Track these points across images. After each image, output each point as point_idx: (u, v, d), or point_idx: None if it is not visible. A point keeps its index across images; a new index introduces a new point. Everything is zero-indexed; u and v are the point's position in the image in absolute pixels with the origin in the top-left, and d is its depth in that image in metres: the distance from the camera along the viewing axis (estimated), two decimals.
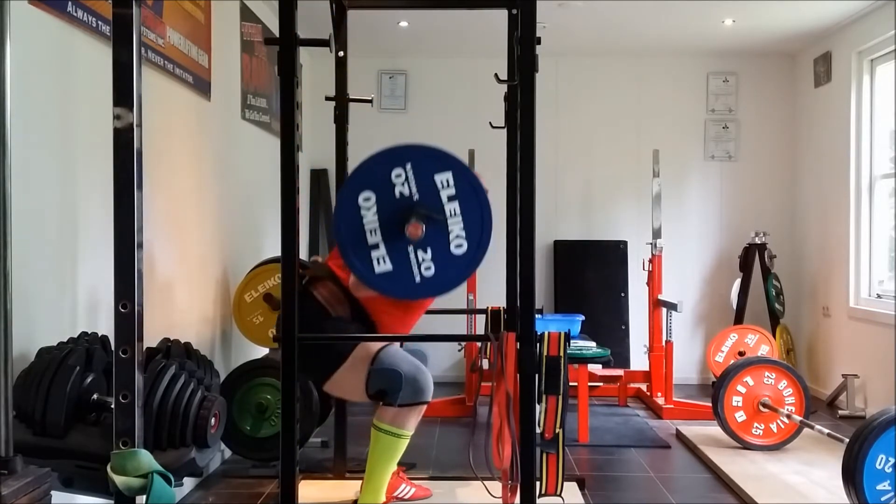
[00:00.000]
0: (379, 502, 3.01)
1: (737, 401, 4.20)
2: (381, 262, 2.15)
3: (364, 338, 2.96)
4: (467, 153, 5.37)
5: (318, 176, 6.29)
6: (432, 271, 2.15)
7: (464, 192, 2.16)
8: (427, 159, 2.16)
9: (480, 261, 2.19)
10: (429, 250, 2.14)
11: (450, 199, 2.15)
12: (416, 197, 2.13)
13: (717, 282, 6.43)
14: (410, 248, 2.14)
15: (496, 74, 2.69)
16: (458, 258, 2.16)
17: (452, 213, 2.15)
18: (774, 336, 5.69)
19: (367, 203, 2.14)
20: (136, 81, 1.61)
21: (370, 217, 2.14)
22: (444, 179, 2.15)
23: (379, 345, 2.95)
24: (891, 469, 2.87)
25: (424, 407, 2.98)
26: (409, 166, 2.14)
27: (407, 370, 2.90)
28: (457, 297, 5.40)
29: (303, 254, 5.91)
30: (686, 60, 6.45)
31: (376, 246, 2.14)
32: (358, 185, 2.15)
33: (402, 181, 2.14)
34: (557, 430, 2.45)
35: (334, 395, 3.28)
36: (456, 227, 2.15)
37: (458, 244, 2.15)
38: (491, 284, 5.24)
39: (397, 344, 3.13)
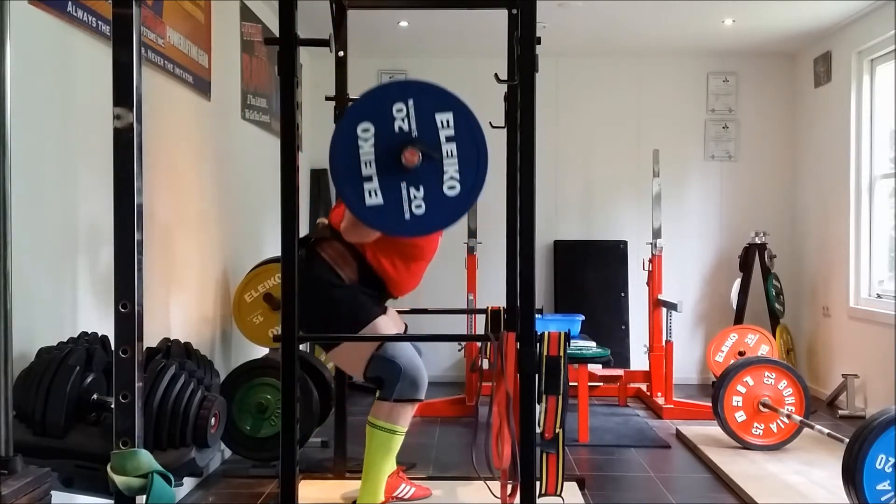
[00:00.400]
0: (377, 501, 3.01)
1: (737, 401, 4.20)
2: (373, 195, 2.12)
3: (371, 338, 2.98)
4: None
5: (318, 176, 6.29)
6: (422, 210, 2.12)
7: (463, 134, 2.13)
8: (430, 97, 2.14)
9: (471, 205, 2.18)
10: (421, 188, 2.12)
11: (448, 139, 2.13)
12: (414, 133, 2.12)
13: (717, 282, 6.43)
14: (403, 185, 2.12)
15: (496, 74, 2.69)
16: (449, 200, 2.13)
17: (449, 153, 2.13)
18: (774, 336, 5.69)
19: (366, 134, 2.12)
20: (136, 81, 1.61)
21: (367, 148, 2.12)
22: (444, 119, 2.12)
23: (389, 331, 3.00)
24: (891, 469, 2.87)
25: (417, 404, 3.02)
26: (411, 102, 2.12)
27: (406, 365, 2.94)
28: (457, 297, 5.43)
29: None
30: (686, 60, 6.45)
31: (370, 178, 2.12)
32: (358, 114, 2.13)
33: (403, 116, 2.12)
34: (557, 430, 2.45)
35: (335, 364, 3.33)
36: (451, 169, 2.13)
37: (451, 185, 2.13)
38: (491, 284, 5.25)
39: (402, 326, 3.15)
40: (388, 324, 3.05)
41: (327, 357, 3.15)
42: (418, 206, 2.13)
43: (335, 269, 2.99)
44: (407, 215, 2.13)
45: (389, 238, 2.97)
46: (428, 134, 2.12)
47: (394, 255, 3.03)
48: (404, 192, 2.12)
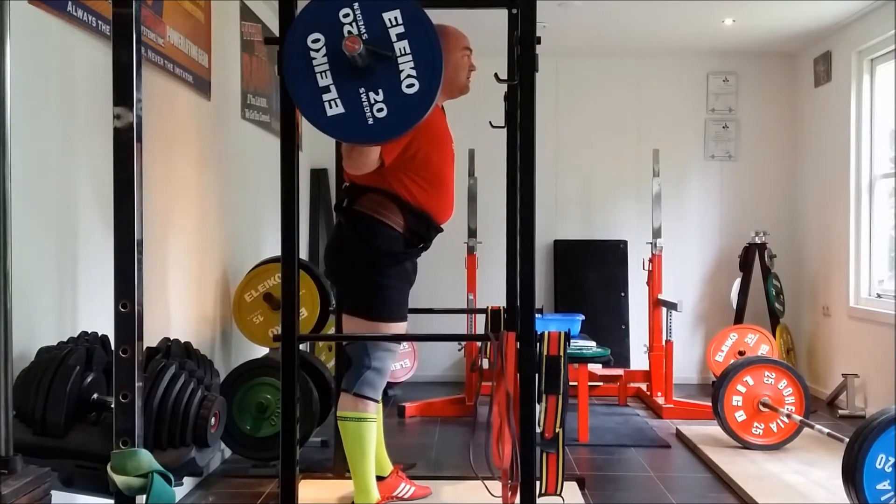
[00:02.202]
0: (371, 497, 3.03)
1: (737, 400, 4.20)
2: (333, 106, 2.09)
3: (368, 338, 3.02)
4: (467, 152, 5.37)
5: (318, 176, 6.29)
6: (384, 112, 2.09)
7: (413, 29, 2.08)
8: None
9: (433, 100, 2.12)
10: (380, 91, 2.08)
11: (399, 37, 2.08)
12: (364, 36, 2.08)
13: (717, 281, 6.43)
14: (362, 90, 2.09)
15: (496, 74, 2.69)
16: (410, 97, 2.08)
17: (402, 51, 2.08)
18: (774, 336, 5.69)
19: (317, 45, 2.08)
20: (136, 81, 1.61)
21: (320, 59, 2.08)
22: (392, 17, 2.08)
23: (393, 330, 3.05)
24: (891, 469, 2.87)
25: (377, 403, 3.09)
26: (356, 5, 2.08)
27: (376, 369, 3.04)
28: (457, 297, 5.43)
29: (303, 253, 5.91)
30: (686, 60, 6.45)
31: (327, 89, 2.08)
32: (306, 26, 2.10)
33: (350, 20, 2.08)
34: (557, 430, 2.45)
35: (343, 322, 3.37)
36: (406, 66, 2.08)
37: (410, 83, 2.08)
38: (491, 284, 5.25)
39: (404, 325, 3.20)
40: (400, 331, 3.14)
41: (344, 314, 3.18)
42: (380, 110, 2.09)
43: (381, 219, 3.01)
44: (370, 120, 2.09)
45: (406, 167, 2.99)
46: (378, 35, 2.07)
47: (418, 178, 3.03)
48: (363, 96, 2.08)
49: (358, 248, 3.01)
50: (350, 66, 2.06)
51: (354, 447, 3.03)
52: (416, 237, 3.08)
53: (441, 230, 3.20)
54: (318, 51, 2.09)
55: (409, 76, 2.09)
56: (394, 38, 2.08)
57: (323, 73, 2.09)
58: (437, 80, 2.10)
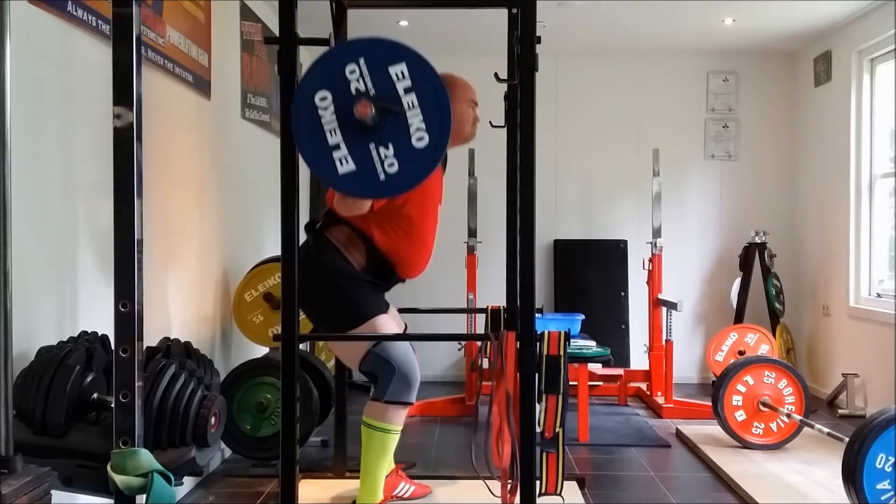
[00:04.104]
0: (376, 500, 3.01)
1: (737, 400, 4.20)
2: (344, 163, 2.09)
3: (368, 337, 2.97)
4: (467, 152, 5.37)
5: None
6: (395, 167, 2.09)
7: (420, 82, 2.08)
8: (380, 52, 2.09)
9: (443, 153, 2.13)
10: (390, 146, 2.08)
11: (406, 91, 2.08)
12: (372, 92, 2.08)
13: (717, 281, 6.43)
14: (372, 146, 2.09)
15: (496, 74, 2.69)
16: (419, 151, 2.09)
17: (410, 105, 2.08)
18: (774, 335, 5.69)
19: (324, 103, 2.08)
20: (136, 81, 1.61)
21: (328, 117, 2.08)
22: (398, 72, 2.08)
23: (390, 329, 2.99)
24: (891, 468, 2.87)
25: (410, 406, 3.01)
26: (362, 61, 2.08)
27: (400, 366, 2.93)
28: (457, 297, 5.43)
29: None
30: (686, 60, 6.45)
31: (337, 146, 2.08)
32: (313, 85, 2.09)
33: (357, 77, 2.07)
34: (557, 430, 2.45)
35: (332, 349, 3.34)
36: (415, 120, 2.08)
37: (420, 137, 2.09)
38: (491, 284, 5.25)
39: (398, 320, 3.15)
40: (388, 322, 3.04)
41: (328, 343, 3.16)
42: (391, 164, 2.09)
43: (345, 254, 2.99)
44: (382, 176, 2.09)
45: (388, 214, 2.97)
46: (385, 90, 2.07)
47: (397, 229, 3.02)
48: (374, 152, 2.08)
49: (317, 270, 2.95)
50: (359, 122, 2.06)
51: (373, 453, 2.99)
52: (371, 282, 3.04)
53: (403, 282, 3.18)
54: (325, 108, 2.09)
55: (418, 130, 2.09)
56: (401, 93, 2.08)
57: (332, 131, 2.09)
58: (447, 132, 2.10)
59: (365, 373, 3.02)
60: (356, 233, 3.01)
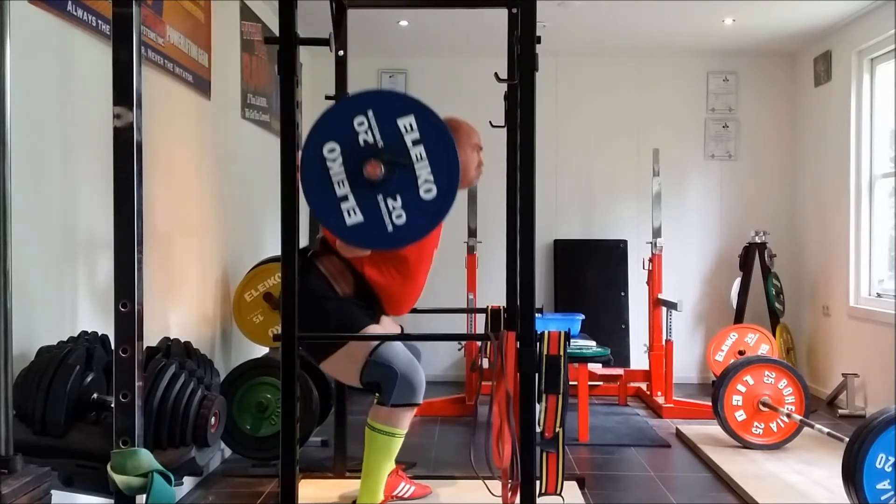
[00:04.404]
0: (377, 502, 3.01)
1: (737, 400, 4.20)
2: (352, 214, 2.10)
3: (368, 337, 2.96)
4: None
5: None
6: (404, 219, 2.10)
7: (428, 135, 2.09)
8: (388, 104, 2.10)
9: (451, 204, 2.13)
10: (398, 197, 2.09)
11: (414, 143, 2.09)
12: (380, 144, 2.08)
13: (717, 281, 6.43)
14: (380, 198, 2.09)
15: (496, 73, 2.69)
16: (428, 203, 2.10)
17: (419, 157, 2.09)
18: (774, 335, 5.69)
19: (332, 154, 2.09)
20: (136, 80, 1.60)
21: (336, 169, 2.09)
22: (407, 124, 2.09)
23: (376, 329, 2.98)
24: (891, 468, 2.87)
25: (416, 407, 2.99)
26: (370, 113, 2.08)
27: (403, 369, 2.90)
28: (457, 297, 5.43)
29: None
30: (686, 60, 6.45)
31: (345, 198, 2.09)
32: (321, 136, 2.10)
33: (365, 129, 2.08)
34: (557, 430, 2.45)
35: (327, 374, 3.31)
36: (423, 172, 2.09)
37: (428, 189, 2.09)
38: (491, 284, 5.25)
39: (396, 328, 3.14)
40: (379, 331, 3.04)
41: (321, 368, 3.12)
42: (399, 216, 2.10)
43: (331, 283, 2.98)
44: (389, 227, 2.11)
45: (384, 253, 2.97)
46: (393, 141, 2.09)
47: (391, 268, 3.02)
48: (382, 204, 2.09)
49: (302, 296, 2.92)
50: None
51: (376, 456, 2.98)
52: (356, 303, 3.02)
53: (388, 315, 3.18)
54: (334, 160, 2.09)
55: (426, 181, 2.10)
56: (409, 144, 2.09)
57: (340, 182, 2.10)
58: (455, 184, 2.10)
59: (368, 385, 2.96)
60: (347, 266, 3.01)
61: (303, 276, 2.92)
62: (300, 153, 2.14)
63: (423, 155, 2.09)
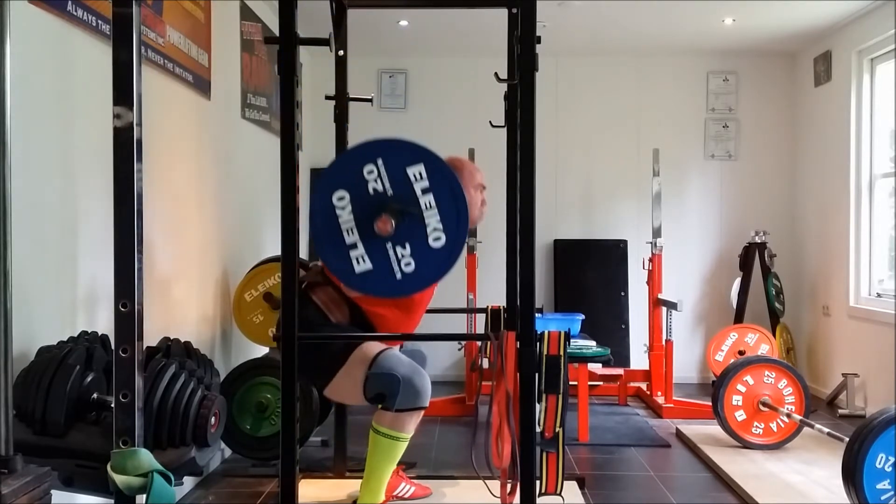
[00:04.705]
0: (378, 502, 3.00)
1: (737, 400, 4.20)
2: (361, 262, 2.11)
3: (365, 337, 2.96)
4: (467, 152, 5.37)
5: (318, 175, 6.29)
6: (412, 267, 2.11)
7: (437, 183, 2.11)
8: (398, 153, 2.12)
9: (460, 252, 2.15)
10: (407, 245, 2.11)
11: (424, 191, 2.11)
12: (389, 192, 2.09)
13: (717, 281, 6.43)
14: (389, 245, 2.11)
15: (496, 73, 2.69)
16: (437, 251, 2.11)
17: (428, 205, 2.11)
18: (774, 335, 5.69)
19: (342, 202, 2.10)
20: (136, 80, 1.60)
21: (346, 216, 2.10)
22: (416, 172, 2.10)
23: (377, 348, 2.92)
24: (891, 468, 2.87)
25: (423, 411, 2.96)
26: (380, 161, 2.10)
27: (405, 374, 2.86)
28: (457, 297, 5.43)
29: (303, 253, 5.91)
30: (686, 60, 6.45)
31: (354, 245, 2.10)
32: (330, 184, 2.12)
33: (375, 177, 2.10)
34: (557, 429, 2.45)
35: (334, 400, 3.29)
36: (433, 220, 2.11)
37: (437, 237, 2.11)
38: (491, 284, 5.25)
39: (396, 348, 3.12)
40: (377, 345, 2.97)
41: (326, 396, 3.07)
42: (408, 264, 2.12)
43: (325, 313, 2.97)
44: (398, 275, 2.12)
45: None
46: (403, 190, 2.10)
47: (387, 304, 2.99)
48: (391, 252, 2.11)
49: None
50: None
51: (380, 459, 2.94)
52: (351, 328, 3.00)
53: None
54: (343, 208, 2.11)
55: (435, 230, 2.11)
56: (419, 193, 2.11)
57: (349, 230, 2.11)
58: (464, 232, 2.12)
59: (373, 399, 2.91)
60: (342, 296, 2.99)
61: (298, 310, 2.90)
62: (311, 199, 2.14)
63: (433, 203, 2.11)
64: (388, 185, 2.10)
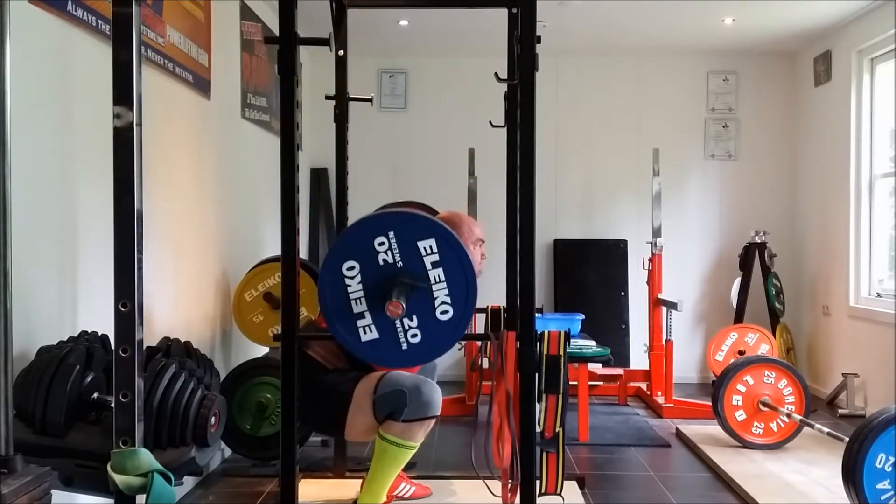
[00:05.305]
0: (379, 502, 3.00)
1: (737, 400, 4.20)
2: (367, 332, 2.13)
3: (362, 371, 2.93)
4: (467, 152, 5.37)
5: (318, 175, 6.29)
6: (418, 338, 2.13)
7: (447, 257, 2.13)
8: (409, 226, 2.14)
9: (467, 325, 2.17)
10: (414, 318, 2.12)
11: (433, 265, 2.12)
12: (399, 264, 2.11)
13: (717, 281, 6.43)
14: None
15: (496, 73, 2.69)
16: (443, 324, 2.13)
17: (437, 279, 2.12)
18: (774, 335, 5.69)
19: (352, 272, 2.12)
20: (136, 80, 1.60)
21: (355, 286, 2.12)
22: (427, 246, 2.12)
23: (378, 374, 2.91)
24: (891, 468, 2.87)
25: (433, 420, 2.92)
26: (391, 234, 2.12)
27: (411, 386, 2.85)
28: None
29: (303, 253, 5.91)
30: (686, 59, 6.45)
31: (362, 315, 2.12)
32: (341, 254, 2.13)
33: (386, 249, 2.12)
34: (557, 429, 2.45)
35: (358, 440, 3.21)
36: (441, 294, 2.12)
37: (444, 310, 2.13)
38: (491, 283, 5.24)
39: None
40: (376, 373, 2.94)
41: (348, 440, 3.06)
42: (414, 336, 2.13)
43: (322, 365, 2.95)
44: (404, 346, 2.13)
45: None
46: (413, 263, 2.12)
47: None
48: (398, 323, 2.12)
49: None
50: (384, 294, 2.09)
51: (386, 464, 2.92)
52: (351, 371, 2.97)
53: None
54: (352, 278, 2.12)
55: (443, 303, 2.13)
56: (428, 266, 2.12)
57: (358, 300, 2.12)
58: (472, 306, 2.13)
59: (386, 419, 2.88)
60: (337, 345, 2.95)
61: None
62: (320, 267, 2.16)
63: (442, 277, 2.13)
64: (398, 257, 2.12)
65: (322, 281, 2.14)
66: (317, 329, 3.05)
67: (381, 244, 2.12)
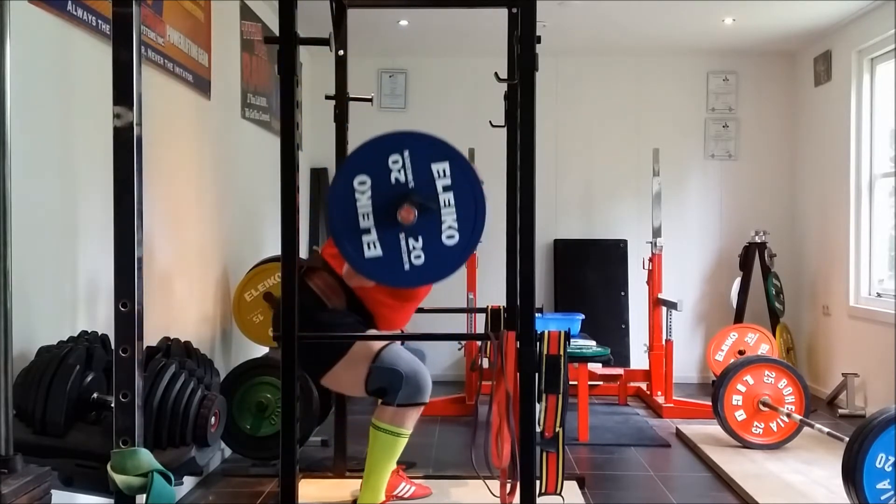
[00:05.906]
0: (378, 501, 3.01)
1: (737, 400, 4.20)
2: (372, 248, 2.13)
3: (365, 337, 2.96)
4: (467, 152, 5.37)
5: (318, 175, 6.29)
6: (422, 260, 2.13)
7: (459, 183, 2.13)
8: (425, 147, 2.14)
9: (470, 254, 2.17)
10: (420, 239, 2.12)
11: (445, 189, 2.13)
12: (411, 184, 2.11)
13: (717, 281, 6.43)
14: (402, 235, 2.12)
15: (496, 73, 2.69)
16: (448, 249, 2.13)
17: (446, 203, 2.13)
18: (774, 335, 5.69)
19: (363, 187, 2.12)
20: (136, 80, 1.60)
21: (364, 201, 2.12)
22: (440, 169, 2.12)
23: (381, 342, 2.96)
24: (891, 468, 2.87)
25: (423, 407, 2.98)
26: (406, 153, 2.12)
27: (407, 370, 2.90)
28: (457, 296, 5.43)
29: (302, 253, 5.91)
30: (686, 59, 6.45)
31: (368, 231, 2.12)
32: (354, 167, 2.13)
33: (399, 167, 2.12)
34: (557, 429, 2.45)
35: (331, 389, 3.29)
36: (449, 218, 2.13)
37: (450, 235, 2.13)
38: (491, 283, 5.25)
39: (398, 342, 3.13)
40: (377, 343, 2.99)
41: (322, 384, 3.08)
42: (417, 257, 2.13)
43: (322, 299, 2.98)
44: (406, 266, 2.13)
45: None
46: (424, 184, 2.12)
47: (385, 292, 3.01)
48: (403, 243, 2.12)
49: None
50: (393, 212, 2.09)
51: (380, 455, 2.96)
52: (349, 315, 3.00)
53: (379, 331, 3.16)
54: (363, 192, 2.12)
55: (450, 227, 2.13)
56: (439, 190, 2.13)
57: (365, 215, 2.13)
58: (478, 235, 2.15)
59: (374, 392, 2.95)
60: (339, 282, 2.99)
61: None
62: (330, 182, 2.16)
63: (452, 202, 2.13)
64: (410, 176, 2.12)
65: (332, 193, 2.14)
66: (321, 261, 3.06)
67: (395, 162, 2.12)
